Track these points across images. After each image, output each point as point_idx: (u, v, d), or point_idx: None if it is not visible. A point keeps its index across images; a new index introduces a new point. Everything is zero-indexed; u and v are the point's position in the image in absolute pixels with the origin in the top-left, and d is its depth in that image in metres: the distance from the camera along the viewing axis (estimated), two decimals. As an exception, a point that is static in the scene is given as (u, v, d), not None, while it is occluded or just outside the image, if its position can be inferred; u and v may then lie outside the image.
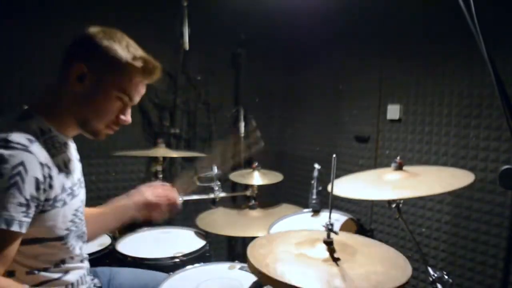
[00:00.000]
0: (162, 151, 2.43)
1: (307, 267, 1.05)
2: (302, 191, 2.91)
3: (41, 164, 1.01)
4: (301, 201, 2.45)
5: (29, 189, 0.97)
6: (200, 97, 2.98)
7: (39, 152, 1.01)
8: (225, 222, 2.19)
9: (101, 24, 1.15)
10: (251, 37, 3.04)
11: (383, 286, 0.98)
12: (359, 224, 1.92)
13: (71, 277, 1.18)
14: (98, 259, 1.78)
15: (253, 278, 1.46)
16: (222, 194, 2.24)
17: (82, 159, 1.30)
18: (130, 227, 2.16)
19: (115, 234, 2.10)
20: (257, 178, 2.29)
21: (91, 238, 1.33)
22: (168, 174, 2.84)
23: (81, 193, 1.25)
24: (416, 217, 2.37)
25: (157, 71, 1.17)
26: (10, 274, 1.03)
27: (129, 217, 1.43)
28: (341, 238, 1.17)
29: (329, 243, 1.11)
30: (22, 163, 0.96)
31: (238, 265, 1.69)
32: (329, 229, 1.10)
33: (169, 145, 2.78)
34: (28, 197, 0.97)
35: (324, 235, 1.12)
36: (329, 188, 1.25)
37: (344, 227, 1.89)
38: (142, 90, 1.18)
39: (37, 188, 0.99)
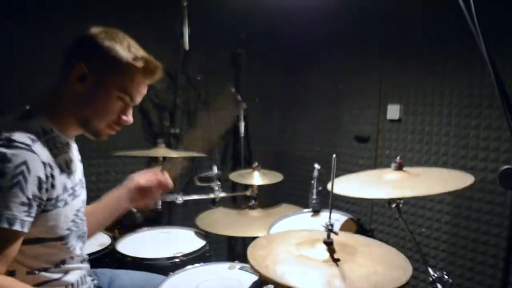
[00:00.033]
0: (162, 151, 2.43)
1: (307, 268, 1.05)
2: (302, 191, 2.91)
3: (44, 164, 1.01)
4: (301, 201, 2.45)
5: (31, 188, 0.97)
6: (200, 97, 2.98)
7: (41, 151, 1.01)
8: (225, 222, 2.19)
9: (101, 24, 1.15)
10: (251, 37, 3.04)
11: (383, 286, 0.98)
12: (359, 224, 1.92)
13: (71, 277, 1.18)
14: (98, 259, 1.78)
15: (253, 278, 1.45)
16: (222, 194, 2.24)
17: (82, 159, 1.31)
18: (130, 227, 2.16)
19: (115, 234, 2.11)
20: (257, 178, 2.29)
21: (88, 235, 1.33)
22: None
23: (83, 194, 1.25)
24: (416, 217, 2.37)
25: (158, 71, 1.17)
26: (10, 274, 1.03)
27: (123, 208, 1.43)
28: (341, 238, 1.16)
29: (329, 244, 1.11)
30: (25, 163, 0.96)
31: (238, 265, 1.68)
32: (329, 229, 1.10)
33: (169, 145, 2.78)
34: (30, 196, 0.97)
35: (324, 235, 1.12)
36: (329, 186, 1.25)
37: (344, 227, 1.89)
38: (143, 90, 1.18)
39: (40, 188, 1.00)
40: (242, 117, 3.03)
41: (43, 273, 1.10)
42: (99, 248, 1.86)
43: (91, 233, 1.38)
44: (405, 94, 2.43)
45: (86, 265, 1.28)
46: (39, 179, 0.99)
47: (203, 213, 2.28)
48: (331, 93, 2.96)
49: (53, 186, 1.04)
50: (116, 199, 1.43)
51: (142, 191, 1.43)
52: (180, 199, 2.16)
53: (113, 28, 1.15)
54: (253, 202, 2.29)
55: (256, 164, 2.35)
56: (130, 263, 1.78)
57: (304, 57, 3.16)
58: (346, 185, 1.62)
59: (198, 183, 2.26)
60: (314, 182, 2.07)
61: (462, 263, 2.18)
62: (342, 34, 2.77)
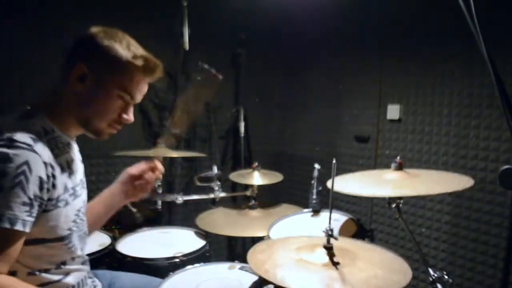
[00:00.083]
0: (162, 151, 2.43)
1: (307, 272, 1.05)
2: (302, 191, 2.92)
3: (45, 164, 1.01)
4: (301, 201, 2.45)
5: (33, 188, 0.97)
6: (200, 97, 2.98)
7: (43, 151, 1.02)
8: (225, 222, 2.19)
9: (101, 24, 1.15)
10: (251, 37, 3.04)
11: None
12: (359, 224, 1.92)
13: (71, 279, 1.18)
14: (98, 259, 1.78)
15: (253, 278, 1.45)
16: (222, 194, 2.23)
17: (82, 159, 1.30)
18: (130, 227, 2.16)
19: (115, 234, 2.11)
20: (257, 178, 2.29)
21: None
22: (168, 174, 2.84)
23: (83, 194, 1.25)
24: (416, 217, 2.37)
25: (158, 69, 1.17)
26: (11, 274, 1.02)
27: (119, 204, 1.44)
28: (341, 244, 1.17)
29: (329, 249, 1.11)
30: (26, 163, 0.96)
31: (238, 265, 1.69)
32: (329, 234, 1.11)
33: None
34: (32, 196, 0.97)
35: (323, 240, 1.12)
36: (329, 184, 1.24)
37: (344, 227, 1.89)
38: (144, 88, 1.18)
39: (41, 188, 1.00)
40: (242, 117, 3.04)
41: (43, 274, 1.10)
42: (99, 248, 1.86)
43: (90, 231, 1.38)
44: (405, 94, 2.43)
45: (87, 267, 1.28)
46: (41, 179, 0.99)
47: (203, 213, 2.28)
48: (331, 93, 2.96)
49: (54, 186, 1.04)
50: (110, 195, 1.43)
51: (136, 180, 1.43)
52: (180, 199, 2.15)
53: (113, 28, 1.15)
54: (253, 202, 2.29)
55: (256, 164, 2.35)
56: (130, 263, 1.78)
57: (304, 57, 3.16)
58: (346, 183, 1.62)
59: (198, 183, 2.26)
60: (314, 182, 2.07)
61: (462, 263, 2.18)
62: (342, 34, 2.77)
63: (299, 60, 3.22)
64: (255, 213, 2.26)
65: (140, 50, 1.15)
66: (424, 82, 2.33)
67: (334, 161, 1.14)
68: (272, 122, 3.44)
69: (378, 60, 2.58)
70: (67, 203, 1.11)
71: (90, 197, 1.32)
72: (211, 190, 2.21)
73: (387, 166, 1.68)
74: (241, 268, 1.66)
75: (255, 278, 1.40)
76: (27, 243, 1.02)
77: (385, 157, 2.56)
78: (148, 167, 1.45)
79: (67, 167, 1.14)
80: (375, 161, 2.63)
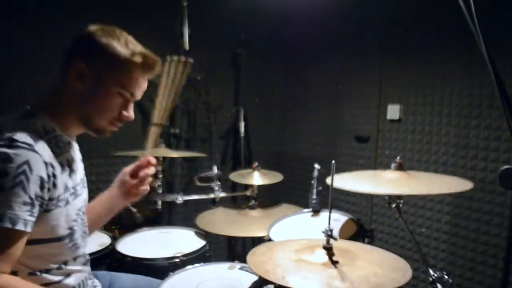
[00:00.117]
0: (162, 151, 2.43)
1: (306, 271, 1.05)
2: (302, 191, 2.91)
3: (46, 163, 1.01)
4: (301, 201, 2.45)
5: (33, 188, 0.97)
6: (200, 97, 2.98)
7: (43, 151, 1.02)
8: (225, 222, 2.19)
9: (101, 24, 1.15)
10: (251, 37, 3.04)
11: (383, 287, 0.98)
12: (359, 224, 1.92)
13: (72, 280, 1.18)
14: (98, 259, 1.78)
15: (253, 278, 1.45)
16: (222, 194, 2.23)
17: (82, 159, 1.31)
18: (130, 227, 2.16)
19: (115, 234, 2.11)
20: (257, 178, 2.29)
21: None
22: (168, 174, 2.84)
23: (84, 193, 1.26)
24: (416, 217, 2.37)
25: (157, 65, 1.17)
26: (12, 274, 1.03)
27: (118, 207, 1.43)
28: (341, 245, 1.17)
29: (328, 249, 1.11)
30: (27, 162, 0.96)
31: (238, 265, 1.68)
32: (329, 234, 1.11)
33: (169, 145, 2.78)
34: (32, 196, 0.97)
35: (323, 242, 1.12)
36: (328, 180, 1.24)
37: (344, 227, 1.89)
38: (143, 85, 1.17)
39: (42, 187, 1.00)
40: (242, 117, 3.04)
41: (44, 275, 1.10)
42: (99, 248, 1.86)
43: (90, 231, 1.37)
44: (405, 94, 2.43)
45: (88, 268, 1.28)
46: (41, 178, 0.99)
47: (203, 213, 2.28)
48: (331, 93, 2.96)
49: (54, 185, 1.05)
50: (110, 197, 1.42)
51: (132, 177, 1.41)
52: (180, 199, 2.16)
53: (111, 26, 1.15)
54: (253, 202, 2.29)
55: (256, 164, 2.35)
56: (130, 263, 1.79)
57: (304, 57, 3.16)
58: (346, 182, 1.63)
59: (198, 183, 2.26)
60: (314, 182, 2.07)
61: (462, 263, 2.18)
62: (342, 34, 2.77)
63: (299, 60, 3.22)
64: (255, 213, 2.26)
65: (138, 47, 1.14)
66: (424, 82, 2.33)
67: (333, 162, 1.14)
68: (272, 122, 3.45)
69: (378, 60, 2.58)
70: (67, 203, 1.11)
71: (90, 197, 1.32)
72: (211, 190, 2.21)
73: (387, 166, 1.68)
74: (241, 268, 1.66)
75: (255, 278, 1.40)
76: (28, 243, 1.02)
77: (385, 157, 2.56)
78: (141, 163, 1.43)
79: (67, 166, 1.14)
80: (375, 161, 2.63)
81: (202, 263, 1.73)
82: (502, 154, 2.01)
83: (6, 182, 0.94)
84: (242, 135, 3.05)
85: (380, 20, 2.49)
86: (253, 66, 3.13)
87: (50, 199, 1.04)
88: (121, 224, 2.23)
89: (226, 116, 3.11)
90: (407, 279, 1.01)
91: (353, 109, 2.79)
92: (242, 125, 3.04)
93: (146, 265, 1.77)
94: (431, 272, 1.42)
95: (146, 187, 1.41)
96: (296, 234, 1.87)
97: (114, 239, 1.99)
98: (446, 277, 1.41)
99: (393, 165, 1.62)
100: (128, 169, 1.42)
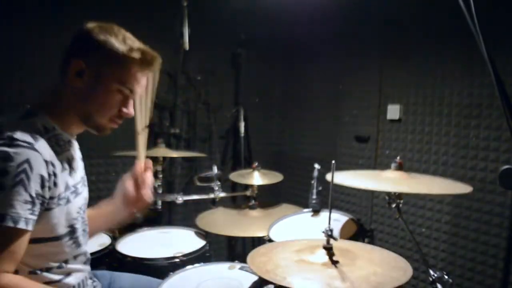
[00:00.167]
0: (162, 151, 2.43)
1: (307, 271, 1.05)
2: (302, 191, 2.92)
3: (46, 162, 1.01)
4: (301, 201, 2.45)
5: (34, 186, 0.98)
6: (200, 97, 2.98)
7: (44, 150, 1.02)
8: (225, 222, 2.19)
9: (99, 22, 1.16)
10: (251, 37, 3.04)
11: (383, 287, 0.98)
12: (359, 224, 1.92)
13: (72, 279, 1.18)
14: (98, 259, 1.78)
15: (253, 278, 1.45)
16: (222, 194, 2.24)
17: (82, 159, 1.31)
18: (130, 227, 2.16)
19: (115, 234, 2.11)
20: (257, 178, 2.29)
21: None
22: (168, 174, 2.84)
23: (84, 191, 1.26)
24: (416, 217, 2.37)
25: (156, 61, 1.16)
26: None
27: (120, 218, 1.40)
28: (341, 245, 1.17)
29: (328, 249, 1.11)
30: (27, 161, 0.96)
31: (238, 265, 1.68)
32: (329, 234, 1.11)
33: (169, 145, 2.78)
34: (33, 194, 0.98)
35: (323, 241, 1.12)
36: (328, 177, 1.24)
37: (344, 228, 1.89)
38: (142, 81, 1.17)
39: (42, 186, 1.00)
40: (242, 117, 3.04)
41: (45, 274, 1.10)
42: (99, 248, 1.85)
43: (91, 236, 1.37)
44: (405, 94, 2.43)
45: (88, 267, 1.28)
46: (42, 177, 1.00)
47: (203, 213, 2.28)
48: (331, 93, 2.96)
49: (55, 184, 1.05)
50: (111, 212, 1.38)
51: (134, 186, 1.36)
52: (180, 199, 2.16)
53: (109, 23, 1.15)
54: (253, 202, 2.29)
55: (256, 164, 2.35)
56: (130, 263, 1.78)
57: (304, 57, 3.16)
58: (346, 177, 1.63)
59: (198, 183, 2.26)
60: (314, 182, 2.07)
61: (462, 263, 2.18)
62: (342, 34, 2.77)
63: (299, 60, 3.22)
64: (255, 213, 2.26)
65: (136, 43, 1.14)
66: (424, 82, 2.33)
67: (333, 162, 1.14)
68: (272, 122, 3.45)
69: (378, 60, 2.58)
70: (68, 201, 1.11)
71: (90, 197, 1.32)
72: (211, 190, 2.21)
73: (387, 166, 1.68)
74: (241, 268, 1.66)
75: (255, 278, 1.40)
76: (29, 241, 1.02)
77: (385, 157, 2.56)
78: (137, 170, 1.38)
79: (68, 165, 1.14)
80: (375, 161, 2.63)
81: (202, 263, 1.73)
82: (502, 154, 2.01)
83: (7, 181, 0.94)
84: (242, 135, 3.05)
85: (380, 20, 2.49)
86: (253, 66, 3.13)
87: (51, 197, 1.04)
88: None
89: (226, 116, 3.11)
90: (408, 278, 1.01)
91: (353, 109, 2.79)
92: (242, 125, 3.04)
93: (146, 265, 1.77)
94: (431, 272, 1.42)
95: (149, 194, 1.37)
96: (296, 234, 1.87)
97: (114, 239, 1.99)
98: (446, 277, 1.41)
99: (393, 165, 1.62)
100: (126, 180, 1.36)
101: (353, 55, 2.73)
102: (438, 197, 2.24)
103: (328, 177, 1.23)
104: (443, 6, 1.97)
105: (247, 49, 3.07)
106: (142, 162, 1.38)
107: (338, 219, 1.96)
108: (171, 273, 1.61)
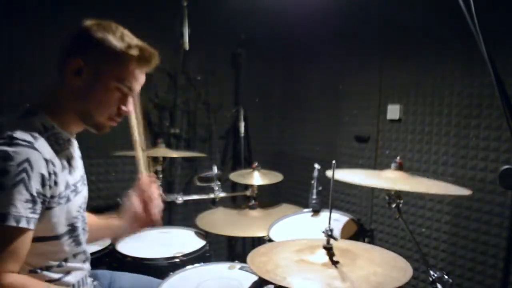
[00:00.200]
0: (162, 151, 2.43)
1: (307, 271, 1.05)
2: (302, 191, 2.92)
3: (46, 161, 1.01)
4: (301, 201, 2.45)
5: (35, 185, 0.98)
6: (200, 97, 2.99)
7: (43, 148, 1.02)
8: (225, 222, 2.19)
9: (97, 19, 1.16)
10: (251, 37, 3.04)
11: (383, 287, 0.98)
12: (359, 224, 1.92)
13: (71, 278, 1.18)
14: (98, 259, 1.78)
15: (253, 278, 1.45)
16: (222, 194, 2.24)
17: (82, 159, 1.31)
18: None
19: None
20: (257, 178, 2.29)
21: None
22: (168, 174, 2.84)
23: (84, 190, 1.26)
24: (416, 217, 2.37)
25: (154, 58, 1.16)
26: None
27: (127, 232, 1.41)
28: (341, 245, 1.17)
29: (329, 249, 1.11)
30: (27, 160, 0.96)
31: (238, 265, 1.69)
32: (329, 234, 1.11)
33: (169, 145, 2.79)
34: (34, 193, 0.98)
35: (323, 241, 1.12)
36: (328, 173, 1.24)
37: (344, 228, 1.89)
38: (141, 78, 1.17)
39: (43, 185, 1.00)
40: (242, 117, 3.04)
41: (45, 272, 1.10)
42: (99, 248, 1.86)
43: (92, 242, 1.37)
44: (405, 94, 2.43)
45: (87, 266, 1.28)
46: (42, 176, 1.00)
47: (203, 213, 2.28)
48: (331, 93, 2.96)
49: (56, 183, 1.05)
50: (119, 223, 1.37)
51: (141, 202, 1.34)
52: (180, 199, 2.16)
53: (107, 20, 1.15)
54: (253, 202, 2.29)
55: (256, 164, 2.35)
56: (130, 263, 1.79)
57: (304, 57, 3.16)
58: (346, 174, 1.64)
59: (198, 183, 2.26)
60: (314, 182, 2.07)
61: (462, 263, 2.18)
62: (342, 34, 2.77)
63: (299, 60, 3.22)
64: (255, 213, 2.26)
65: (134, 40, 1.14)
66: (424, 82, 2.33)
67: (333, 162, 1.14)
68: (272, 122, 3.45)
69: (378, 60, 2.58)
70: (68, 200, 1.11)
71: (89, 197, 1.32)
72: (211, 190, 2.21)
73: (387, 166, 1.68)
74: (241, 268, 1.66)
75: (255, 278, 1.40)
76: (31, 240, 1.02)
77: (385, 157, 2.56)
78: (141, 185, 1.35)
79: (67, 163, 1.14)
80: (375, 161, 2.63)
81: (202, 263, 1.73)
82: (502, 154, 2.01)
83: (7, 181, 0.94)
84: (242, 135, 3.05)
85: (380, 20, 2.49)
86: (253, 66, 3.13)
87: (52, 196, 1.04)
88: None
89: (226, 116, 3.12)
90: (408, 278, 1.01)
91: (353, 109, 2.79)
92: (242, 125, 3.04)
93: (146, 265, 1.77)
94: (431, 272, 1.42)
95: (158, 213, 1.35)
96: (296, 234, 1.87)
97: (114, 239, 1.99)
98: (446, 277, 1.41)
99: (393, 165, 1.62)
100: (132, 196, 1.34)
101: (353, 55, 2.73)
102: (438, 197, 2.24)
103: (329, 173, 1.23)
104: (443, 6, 1.97)
105: (247, 49, 3.07)
106: (145, 176, 1.37)
107: (338, 219, 1.96)
108: (171, 273, 1.61)
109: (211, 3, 2.86)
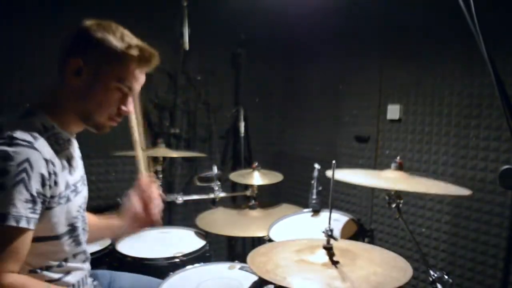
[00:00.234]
0: (162, 151, 2.43)
1: (307, 271, 1.05)
2: (302, 191, 2.92)
3: (46, 161, 1.01)
4: (301, 201, 2.45)
5: (35, 185, 0.98)
6: (200, 97, 2.99)
7: (43, 148, 1.02)
8: (225, 222, 2.19)
9: (97, 19, 1.16)
10: (251, 37, 3.04)
11: (383, 287, 0.98)
12: (359, 224, 1.92)
13: (71, 278, 1.18)
14: (98, 259, 1.78)
15: (253, 278, 1.45)
16: (222, 194, 2.24)
17: (82, 159, 1.31)
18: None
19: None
20: (257, 178, 2.29)
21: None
22: (168, 174, 2.84)
23: (84, 190, 1.26)
24: (416, 217, 2.37)
25: (154, 58, 1.16)
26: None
27: (128, 233, 1.41)
28: (341, 245, 1.17)
29: (329, 249, 1.11)
30: (27, 160, 0.96)
31: (238, 265, 1.69)
32: (329, 234, 1.11)
33: (169, 145, 2.79)
34: (34, 193, 0.98)
35: (323, 241, 1.12)
36: (328, 173, 1.24)
37: (344, 228, 1.89)
38: (141, 78, 1.16)
39: (43, 184, 1.00)
40: (242, 117, 3.04)
41: (44, 272, 1.10)
42: (99, 248, 1.86)
43: (91, 242, 1.37)
44: (405, 94, 2.43)
45: (87, 266, 1.28)
46: (42, 176, 1.00)
47: (203, 213, 2.28)
48: (331, 93, 2.96)
49: (56, 183, 1.05)
50: (119, 223, 1.37)
51: (142, 203, 1.33)
52: (180, 199, 2.16)
53: (107, 20, 1.15)
54: (253, 202, 2.29)
55: (256, 164, 2.35)
56: (130, 263, 1.79)
57: (304, 57, 3.16)
58: (346, 174, 1.64)
59: (198, 183, 2.26)
60: (314, 182, 2.07)
61: (462, 263, 2.18)
62: (342, 34, 2.77)
63: (299, 60, 3.22)
64: (255, 213, 2.26)
65: (134, 40, 1.14)
66: (424, 82, 2.33)
67: (333, 162, 1.14)
68: (272, 122, 3.45)
69: (378, 60, 2.58)
70: (68, 200, 1.11)
71: (90, 197, 1.32)
72: (211, 190, 2.21)
73: (387, 166, 1.68)
74: (241, 268, 1.66)
75: (255, 278, 1.40)
76: (31, 240, 1.02)
77: (385, 157, 2.56)
78: (141, 186, 1.34)
79: (67, 163, 1.14)
80: (375, 161, 2.63)
81: (202, 263, 1.73)
82: (502, 154, 2.01)
83: (7, 181, 0.94)
84: (242, 135, 3.05)
85: (380, 20, 2.49)
86: (253, 66, 3.13)
87: (52, 196, 1.04)
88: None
89: (226, 116, 3.11)
90: (408, 278, 1.01)
91: (353, 109, 2.79)
92: (242, 125, 3.04)
93: (146, 265, 1.77)
94: (431, 272, 1.42)
95: (158, 212, 1.34)
96: (296, 234, 1.87)
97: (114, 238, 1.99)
98: (446, 277, 1.41)
99: (393, 165, 1.62)
100: (132, 197, 1.34)
101: (353, 55, 2.73)
102: (438, 197, 2.24)
103: (329, 173, 1.23)
104: (443, 6, 1.97)
105: (247, 49, 3.07)
106: (145, 176, 1.37)
107: (338, 219, 1.96)
108: (171, 273, 1.61)
109: (211, 3, 2.86)
